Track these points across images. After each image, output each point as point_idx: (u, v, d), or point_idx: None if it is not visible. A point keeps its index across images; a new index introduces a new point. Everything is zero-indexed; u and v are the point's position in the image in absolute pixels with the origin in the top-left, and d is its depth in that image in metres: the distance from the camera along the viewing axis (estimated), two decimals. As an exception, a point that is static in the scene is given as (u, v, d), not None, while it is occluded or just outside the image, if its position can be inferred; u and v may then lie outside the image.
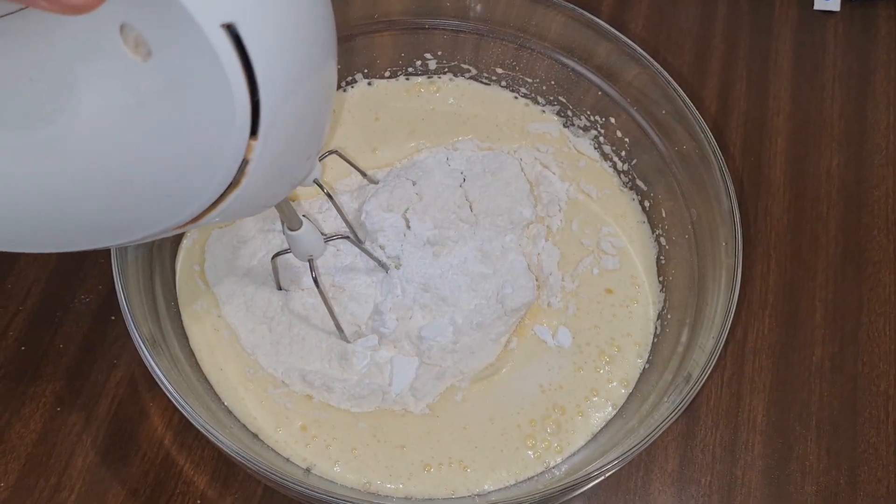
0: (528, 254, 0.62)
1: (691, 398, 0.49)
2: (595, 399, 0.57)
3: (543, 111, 0.68)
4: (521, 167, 0.64)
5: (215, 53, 0.30)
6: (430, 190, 0.61)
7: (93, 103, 0.33)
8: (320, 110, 0.39)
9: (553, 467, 0.55)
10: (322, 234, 0.53)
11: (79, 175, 0.36)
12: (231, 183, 0.35)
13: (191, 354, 0.56)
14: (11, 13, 0.33)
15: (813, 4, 0.79)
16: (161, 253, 0.57)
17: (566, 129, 0.68)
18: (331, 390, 0.55)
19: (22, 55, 0.34)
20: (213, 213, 0.37)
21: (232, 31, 0.30)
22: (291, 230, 0.51)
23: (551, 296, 0.61)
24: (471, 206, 0.62)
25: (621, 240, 0.63)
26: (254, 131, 0.33)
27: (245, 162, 0.34)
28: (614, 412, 0.57)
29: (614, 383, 0.58)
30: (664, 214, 0.62)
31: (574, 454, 0.55)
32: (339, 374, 0.56)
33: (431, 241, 0.59)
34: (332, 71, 0.39)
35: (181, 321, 0.57)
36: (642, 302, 0.61)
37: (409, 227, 0.59)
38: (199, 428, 0.47)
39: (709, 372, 0.50)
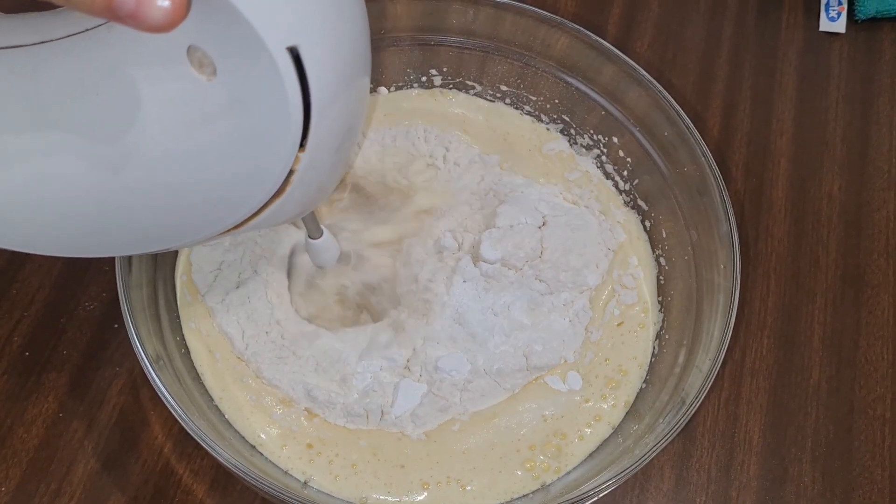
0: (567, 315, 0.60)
1: (686, 420, 0.50)
2: (597, 424, 0.57)
3: (548, 129, 0.69)
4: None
5: (280, 75, 0.32)
6: (511, 219, 0.60)
7: (159, 120, 0.35)
8: (355, 125, 0.42)
9: (548, 485, 0.55)
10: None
11: (136, 186, 0.38)
12: (276, 193, 0.37)
13: (192, 367, 0.57)
14: (90, 28, 0.34)
15: (818, 26, 0.79)
16: (164, 265, 0.58)
17: (570, 148, 0.68)
18: (332, 406, 0.55)
19: (93, 74, 0.35)
20: (254, 221, 0.39)
21: (293, 53, 0.32)
22: (312, 238, 0.53)
23: (568, 352, 0.59)
24: (541, 253, 0.60)
25: (640, 270, 0.62)
26: (301, 144, 0.35)
27: (291, 172, 0.36)
28: (611, 431, 0.57)
29: (612, 403, 0.58)
30: (664, 235, 0.63)
31: (569, 472, 0.55)
32: (339, 390, 0.56)
33: (489, 273, 0.58)
34: (366, 89, 0.41)
35: (183, 333, 0.58)
36: (645, 324, 0.61)
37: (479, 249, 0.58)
38: (198, 440, 0.47)
39: (704, 395, 0.51)
